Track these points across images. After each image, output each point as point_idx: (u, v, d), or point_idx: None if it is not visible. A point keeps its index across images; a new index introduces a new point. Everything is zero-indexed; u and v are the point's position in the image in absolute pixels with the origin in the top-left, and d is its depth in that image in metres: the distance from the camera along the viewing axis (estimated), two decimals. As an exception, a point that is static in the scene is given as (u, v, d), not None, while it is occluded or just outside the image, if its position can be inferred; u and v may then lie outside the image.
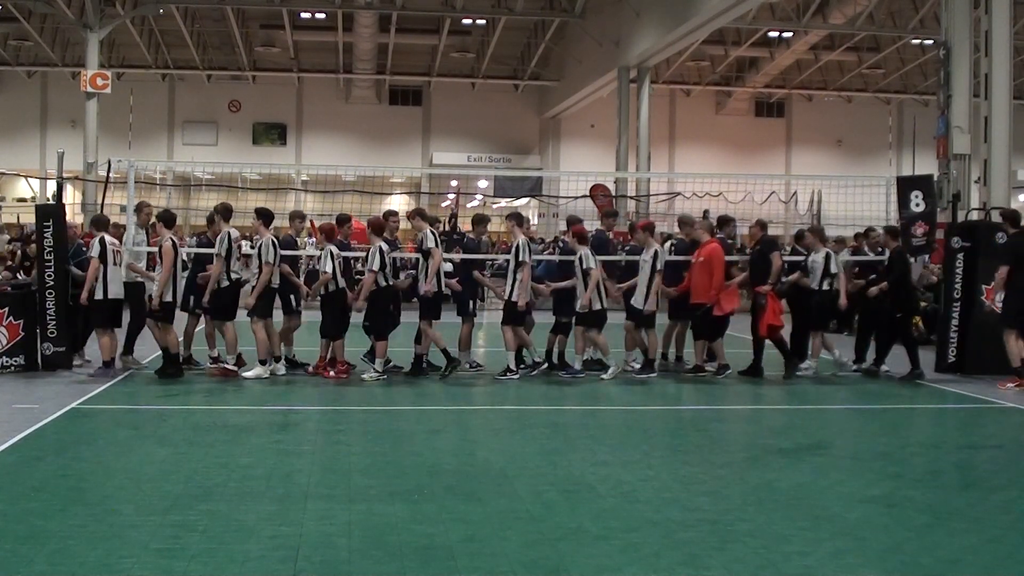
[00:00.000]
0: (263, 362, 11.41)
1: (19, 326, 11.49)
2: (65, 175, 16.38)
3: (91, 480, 6.63)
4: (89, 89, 31.13)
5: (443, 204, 32.69)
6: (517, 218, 12.26)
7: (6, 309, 11.50)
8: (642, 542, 5.44)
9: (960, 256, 12.90)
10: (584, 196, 21.52)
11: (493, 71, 42.62)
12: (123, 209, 13.84)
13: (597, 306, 11.60)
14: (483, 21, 37.96)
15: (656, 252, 11.79)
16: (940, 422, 10.23)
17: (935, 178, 14.98)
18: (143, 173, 17.41)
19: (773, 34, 38.26)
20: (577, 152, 43.52)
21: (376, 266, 11.25)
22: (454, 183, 35.28)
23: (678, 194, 22.45)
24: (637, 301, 11.85)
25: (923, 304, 16.73)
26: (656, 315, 12.03)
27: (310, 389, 10.97)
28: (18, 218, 31.79)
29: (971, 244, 12.92)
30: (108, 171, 14.89)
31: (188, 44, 39.31)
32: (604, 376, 11.73)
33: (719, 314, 11.91)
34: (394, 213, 12.95)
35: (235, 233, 11.70)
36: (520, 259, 11.52)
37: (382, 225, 11.89)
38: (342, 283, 11.59)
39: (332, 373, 11.53)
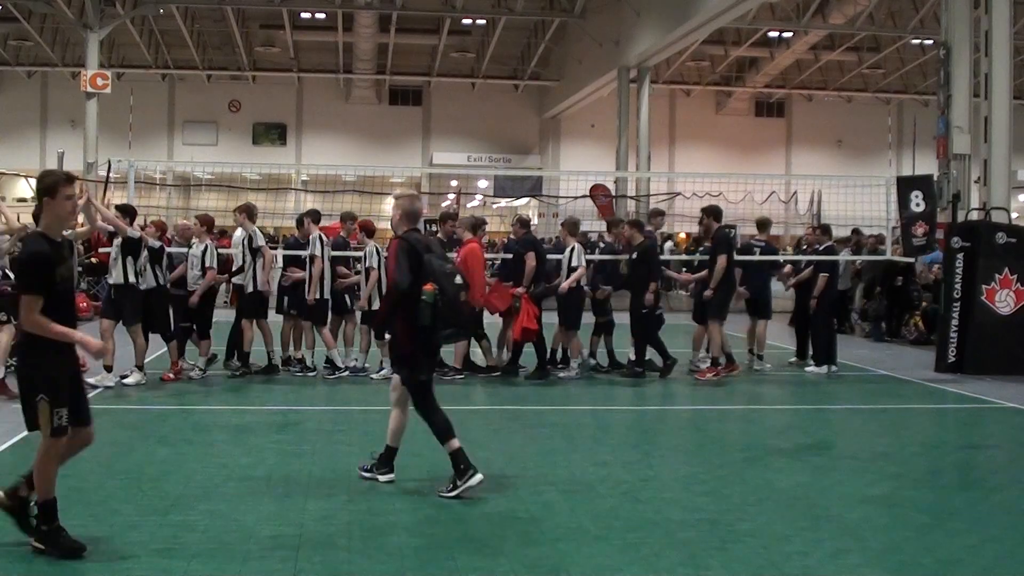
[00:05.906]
0: (139, 368, 10.96)
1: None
2: (65, 175, 16.34)
3: (91, 480, 6.62)
4: (89, 89, 31.11)
5: (443, 204, 32.70)
6: (248, 211, 11.78)
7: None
8: (642, 542, 5.44)
9: (960, 256, 12.90)
10: (584, 196, 21.52)
11: (493, 71, 42.64)
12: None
13: (375, 305, 11.29)
14: (483, 21, 37.99)
15: (376, 249, 11.46)
16: (940, 422, 10.22)
17: (935, 178, 14.96)
18: (143, 173, 17.38)
19: (773, 34, 38.30)
20: (577, 152, 43.54)
21: (214, 263, 11.31)
22: (454, 183, 35.34)
23: (678, 194, 22.37)
24: (363, 298, 11.66)
25: (923, 304, 16.74)
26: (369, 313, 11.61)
27: (310, 389, 10.98)
28: (18, 217, 31.70)
29: (971, 244, 12.92)
30: (108, 171, 14.92)
31: (188, 44, 39.33)
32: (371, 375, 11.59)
33: (494, 312, 11.87)
34: (453, 216, 12.82)
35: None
36: (254, 246, 11.39)
37: (212, 222, 11.97)
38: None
39: (171, 376, 11.22)
